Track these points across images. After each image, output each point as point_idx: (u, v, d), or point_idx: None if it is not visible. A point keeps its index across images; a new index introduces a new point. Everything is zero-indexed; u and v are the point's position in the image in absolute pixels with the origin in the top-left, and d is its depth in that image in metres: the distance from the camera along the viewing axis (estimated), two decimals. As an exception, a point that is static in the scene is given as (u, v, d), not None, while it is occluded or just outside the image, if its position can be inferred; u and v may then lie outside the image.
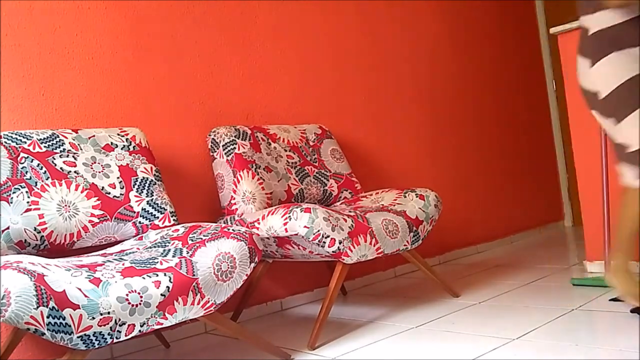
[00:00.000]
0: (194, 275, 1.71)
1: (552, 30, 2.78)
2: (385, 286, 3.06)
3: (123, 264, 1.69)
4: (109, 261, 1.73)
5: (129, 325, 1.56)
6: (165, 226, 2.10)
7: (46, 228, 1.88)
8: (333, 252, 2.10)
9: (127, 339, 1.61)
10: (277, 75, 2.92)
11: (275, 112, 2.90)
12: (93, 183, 2.03)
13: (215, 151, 2.51)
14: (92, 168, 2.06)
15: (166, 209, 2.14)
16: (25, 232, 1.84)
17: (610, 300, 2.21)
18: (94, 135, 2.15)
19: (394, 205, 2.44)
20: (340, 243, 2.09)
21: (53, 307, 1.44)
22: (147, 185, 2.14)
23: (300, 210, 2.07)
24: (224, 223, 2.39)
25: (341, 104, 3.18)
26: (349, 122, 3.20)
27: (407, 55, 3.55)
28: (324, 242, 2.07)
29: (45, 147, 2.02)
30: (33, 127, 2.18)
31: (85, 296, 1.50)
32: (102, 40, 2.37)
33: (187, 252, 1.79)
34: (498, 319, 2.18)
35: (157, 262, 1.72)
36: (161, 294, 1.62)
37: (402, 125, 3.47)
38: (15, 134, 2.00)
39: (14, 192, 1.87)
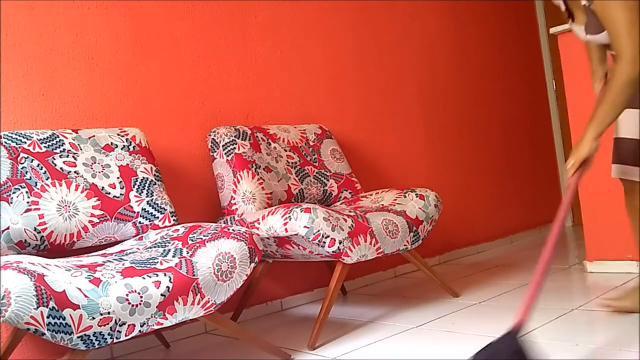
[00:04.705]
0: (194, 275, 1.71)
1: (552, 30, 2.78)
2: (385, 286, 3.06)
3: (123, 264, 1.69)
4: (109, 261, 1.73)
5: (129, 325, 1.56)
6: (165, 226, 2.10)
7: (46, 228, 1.88)
8: (333, 252, 2.10)
9: (127, 339, 1.61)
10: (277, 75, 2.92)
11: (275, 112, 2.90)
12: (93, 183, 2.03)
13: (215, 151, 2.51)
14: (92, 168, 2.06)
15: (166, 209, 2.14)
16: (25, 232, 1.84)
17: None
18: (94, 136, 2.15)
19: (394, 205, 2.44)
20: (340, 243, 2.09)
21: (53, 307, 1.44)
22: (147, 185, 2.14)
23: (300, 210, 2.07)
24: (224, 223, 2.39)
25: (341, 104, 3.18)
26: (349, 122, 3.20)
27: (408, 56, 3.55)
28: (324, 242, 2.07)
29: (45, 147, 2.02)
30: (33, 127, 2.18)
31: (85, 296, 1.50)
32: (102, 40, 2.37)
33: (187, 252, 1.79)
34: (498, 319, 2.18)
35: (157, 262, 1.72)
36: (161, 294, 1.62)
37: (402, 126, 3.47)
38: (15, 134, 2.00)
39: (14, 192, 1.87)
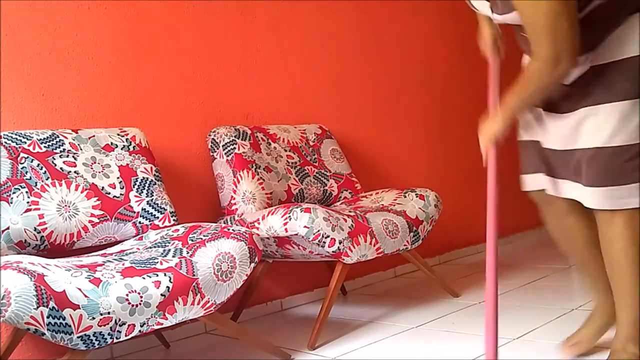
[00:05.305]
0: (194, 275, 1.71)
1: (552, 30, 2.77)
2: (385, 286, 3.06)
3: (123, 264, 1.69)
4: (109, 261, 1.73)
5: (129, 325, 1.56)
6: (165, 226, 2.10)
7: (46, 228, 1.88)
8: (333, 252, 2.10)
9: (127, 339, 1.61)
10: (277, 75, 2.92)
11: (275, 112, 2.89)
12: (93, 183, 2.03)
13: (215, 151, 2.51)
14: (92, 168, 2.06)
15: (166, 209, 2.14)
16: (25, 232, 1.84)
17: None
18: (94, 136, 2.15)
19: (394, 205, 2.44)
20: (340, 243, 2.09)
21: (53, 307, 1.44)
22: (147, 185, 2.14)
23: (300, 210, 2.07)
24: (224, 223, 2.39)
25: (341, 104, 3.18)
26: (349, 122, 3.20)
27: (407, 55, 3.55)
28: (324, 242, 2.07)
29: (45, 147, 2.02)
30: (33, 127, 2.18)
31: (85, 296, 1.50)
32: (102, 40, 2.37)
33: (187, 252, 1.79)
34: (498, 318, 2.17)
35: (157, 262, 1.72)
36: (161, 294, 1.62)
37: (402, 125, 3.47)
38: (15, 134, 2.00)
39: (14, 192, 1.87)
